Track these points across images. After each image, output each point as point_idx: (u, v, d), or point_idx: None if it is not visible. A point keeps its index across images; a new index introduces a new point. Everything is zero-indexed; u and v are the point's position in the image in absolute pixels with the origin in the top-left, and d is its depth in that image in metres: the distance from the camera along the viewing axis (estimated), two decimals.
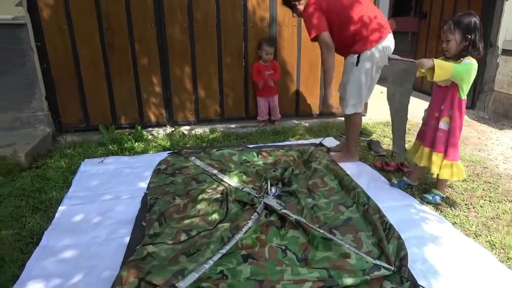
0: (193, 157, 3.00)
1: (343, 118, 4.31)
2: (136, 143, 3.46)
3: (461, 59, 2.15)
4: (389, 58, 2.52)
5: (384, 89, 6.24)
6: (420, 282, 1.66)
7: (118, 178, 2.73)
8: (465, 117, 4.48)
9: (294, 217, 2.04)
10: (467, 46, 2.12)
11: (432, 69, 2.10)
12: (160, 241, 1.87)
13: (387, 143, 3.54)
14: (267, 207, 2.20)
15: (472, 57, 2.13)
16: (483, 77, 4.71)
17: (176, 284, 1.54)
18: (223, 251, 1.79)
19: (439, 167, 2.29)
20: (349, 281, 1.58)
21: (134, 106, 3.90)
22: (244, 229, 1.96)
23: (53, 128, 3.64)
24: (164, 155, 3.16)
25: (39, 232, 2.05)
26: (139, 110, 3.93)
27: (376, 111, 4.59)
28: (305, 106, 4.37)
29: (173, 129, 3.90)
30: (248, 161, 2.97)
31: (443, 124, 2.29)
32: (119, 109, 3.87)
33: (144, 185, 2.64)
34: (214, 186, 2.49)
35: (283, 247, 1.86)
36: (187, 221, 2.08)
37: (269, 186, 2.45)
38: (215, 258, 1.73)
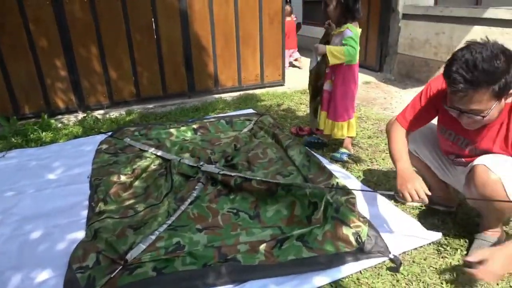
0: (128, 139, 2.92)
1: (262, 90, 4.41)
2: (44, 133, 3.21)
3: (342, 27, 2.31)
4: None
5: (303, 58, 6.45)
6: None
7: (22, 172, 2.52)
8: (374, 80, 4.86)
9: (233, 174, 2.12)
10: (343, 11, 2.26)
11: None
12: (106, 216, 1.90)
13: (302, 110, 3.68)
14: (212, 176, 2.22)
15: (354, 21, 2.29)
16: (388, 41, 5.05)
17: (126, 257, 1.58)
18: (169, 222, 1.83)
19: (323, 123, 2.60)
20: (298, 231, 1.69)
21: (37, 93, 3.59)
22: (189, 200, 2.01)
23: None
24: (75, 142, 3.00)
25: None
26: (44, 97, 3.62)
27: (294, 80, 4.74)
28: (224, 80, 4.36)
29: (85, 114, 3.67)
30: (186, 139, 2.96)
31: (326, 85, 2.52)
32: (20, 97, 3.54)
33: (53, 176, 2.47)
34: (158, 161, 2.50)
35: (235, 211, 1.95)
36: (133, 200, 2.11)
37: (206, 160, 2.43)
38: (161, 229, 1.76)
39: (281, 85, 4.60)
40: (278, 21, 4.34)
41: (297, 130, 3.04)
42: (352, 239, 1.63)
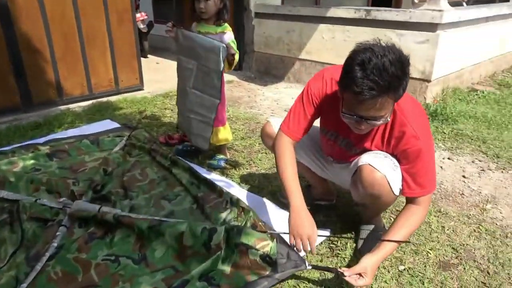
0: None
1: (118, 96, 3.92)
2: None
3: (222, 26, 2.19)
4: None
5: (159, 59, 6.08)
6: None
7: None
8: (236, 78, 4.85)
9: (114, 212, 1.71)
10: (222, 9, 2.16)
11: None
12: None
13: (168, 115, 3.39)
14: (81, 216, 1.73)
15: (224, 20, 2.20)
16: (244, 40, 5.12)
17: None
18: None
19: None
20: (199, 269, 1.43)
21: None
22: (48, 254, 1.52)
23: None
24: None
25: None
26: None
27: (154, 83, 4.38)
28: (70, 88, 3.70)
29: None
30: (39, 168, 2.28)
31: None
32: None
33: None
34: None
35: (113, 257, 1.54)
36: None
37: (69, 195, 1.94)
38: None
39: (140, 89, 4.18)
40: (128, 19, 3.90)
41: (166, 139, 2.74)
42: (261, 262, 1.45)
